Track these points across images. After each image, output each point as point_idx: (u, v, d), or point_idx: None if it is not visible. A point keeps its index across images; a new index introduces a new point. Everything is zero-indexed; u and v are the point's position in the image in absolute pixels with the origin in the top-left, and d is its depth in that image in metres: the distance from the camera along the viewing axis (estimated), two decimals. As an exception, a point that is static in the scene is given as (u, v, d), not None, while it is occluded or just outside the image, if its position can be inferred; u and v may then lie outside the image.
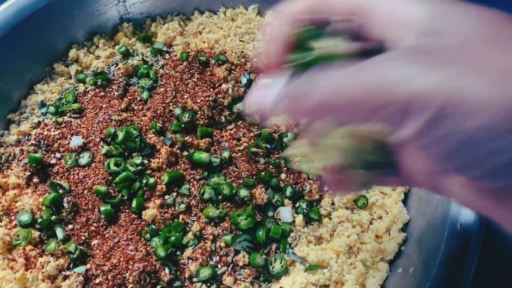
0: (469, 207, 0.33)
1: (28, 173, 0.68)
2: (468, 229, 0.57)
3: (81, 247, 0.63)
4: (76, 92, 0.78)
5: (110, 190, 0.67)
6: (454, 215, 0.57)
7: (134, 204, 0.66)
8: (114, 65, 0.81)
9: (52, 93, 0.79)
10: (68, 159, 0.69)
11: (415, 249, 0.62)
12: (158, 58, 0.82)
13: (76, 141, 0.70)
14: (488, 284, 0.68)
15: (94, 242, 0.64)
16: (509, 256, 0.69)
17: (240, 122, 0.75)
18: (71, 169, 0.69)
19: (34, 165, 0.68)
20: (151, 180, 0.67)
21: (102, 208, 0.65)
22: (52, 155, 0.70)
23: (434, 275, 0.54)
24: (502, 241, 0.69)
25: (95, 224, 0.65)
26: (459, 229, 0.57)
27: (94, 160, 0.69)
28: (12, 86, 0.78)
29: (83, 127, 0.73)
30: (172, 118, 0.74)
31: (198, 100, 0.74)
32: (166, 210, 0.66)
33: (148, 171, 0.68)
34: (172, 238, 0.63)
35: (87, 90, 0.77)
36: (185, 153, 0.71)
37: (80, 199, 0.66)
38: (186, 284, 0.62)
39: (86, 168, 0.69)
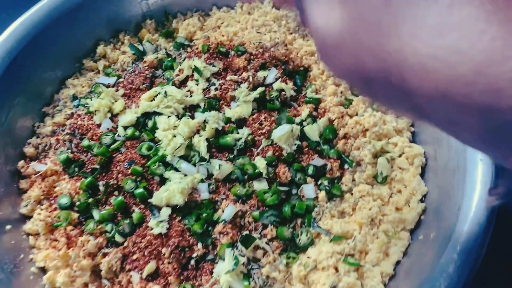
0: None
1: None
2: (484, 198, 0.60)
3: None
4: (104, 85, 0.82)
5: (144, 172, 0.71)
6: (471, 182, 0.60)
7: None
8: (140, 59, 0.85)
9: (83, 86, 0.83)
10: (100, 145, 0.74)
11: (434, 217, 0.65)
12: (181, 52, 0.86)
13: (105, 124, 0.75)
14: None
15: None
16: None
17: (262, 108, 0.79)
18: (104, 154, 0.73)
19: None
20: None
21: (136, 191, 0.69)
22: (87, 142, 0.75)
23: (454, 239, 0.58)
24: None
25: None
26: (476, 199, 0.60)
27: (126, 145, 0.74)
28: (45, 82, 0.83)
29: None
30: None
31: (222, 88, 0.79)
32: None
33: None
34: (204, 215, 0.67)
35: (116, 82, 0.82)
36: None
37: (115, 180, 0.71)
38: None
39: (118, 153, 0.73)
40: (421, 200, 0.68)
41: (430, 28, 0.25)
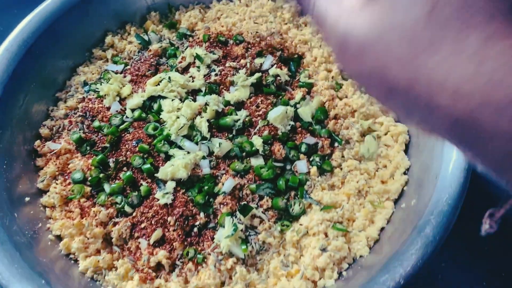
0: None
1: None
2: (459, 168, 0.66)
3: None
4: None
5: (150, 150, 0.77)
6: (448, 153, 0.67)
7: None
8: (145, 48, 0.92)
9: (93, 73, 0.90)
10: (110, 126, 0.80)
11: (415, 188, 0.71)
12: (183, 41, 0.93)
13: (115, 107, 0.82)
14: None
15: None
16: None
17: (258, 92, 0.86)
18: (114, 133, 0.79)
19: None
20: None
21: (144, 167, 0.75)
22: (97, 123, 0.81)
23: (431, 204, 0.64)
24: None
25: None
26: (451, 168, 0.66)
27: (134, 126, 0.80)
28: (58, 70, 0.89)
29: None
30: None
31: (222, 73, 0.85)
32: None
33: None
34: (205, 188, 0.73)
35: (124, 69, 0.89)
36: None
37: (124, 157, 0.77)
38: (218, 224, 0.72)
39: (126, 133, 0.80)
40: (404, 173, 0.75)
41: (468, 54, 0.25)
